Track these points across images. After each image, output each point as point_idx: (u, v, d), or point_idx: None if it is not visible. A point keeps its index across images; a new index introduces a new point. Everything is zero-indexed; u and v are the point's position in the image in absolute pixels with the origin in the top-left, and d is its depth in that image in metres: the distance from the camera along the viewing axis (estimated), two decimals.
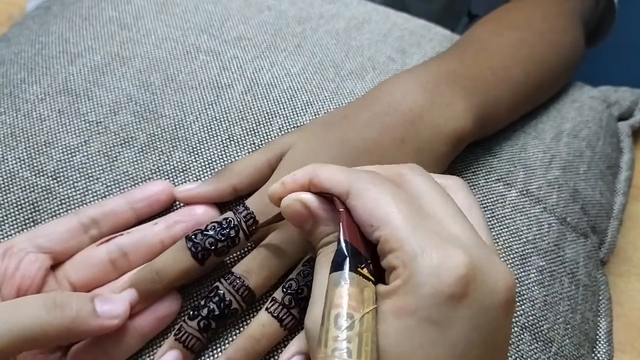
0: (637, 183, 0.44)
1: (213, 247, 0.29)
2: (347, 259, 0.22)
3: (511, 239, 0.35)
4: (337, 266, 0.22)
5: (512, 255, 0.34)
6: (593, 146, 0.41)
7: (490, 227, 0.35)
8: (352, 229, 0.23)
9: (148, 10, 0.42)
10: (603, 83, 0.48)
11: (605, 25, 0.50)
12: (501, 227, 0.35)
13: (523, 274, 0.34)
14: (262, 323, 0.28)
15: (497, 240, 0.34)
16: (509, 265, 0.34)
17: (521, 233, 0.35)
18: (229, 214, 0.30)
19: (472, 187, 0.36)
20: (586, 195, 0.39)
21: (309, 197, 0.25)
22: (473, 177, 0.37)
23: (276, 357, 0.29)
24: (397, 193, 0.23)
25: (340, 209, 0.24)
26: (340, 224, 0.23)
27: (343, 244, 0.23)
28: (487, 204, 0.36)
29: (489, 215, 0.35)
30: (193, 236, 0.29)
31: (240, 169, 0.32)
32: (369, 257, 0.23)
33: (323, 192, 0.25)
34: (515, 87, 0.37)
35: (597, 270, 0.39)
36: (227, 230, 0.29)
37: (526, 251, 0.35)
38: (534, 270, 0.34)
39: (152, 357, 0.28)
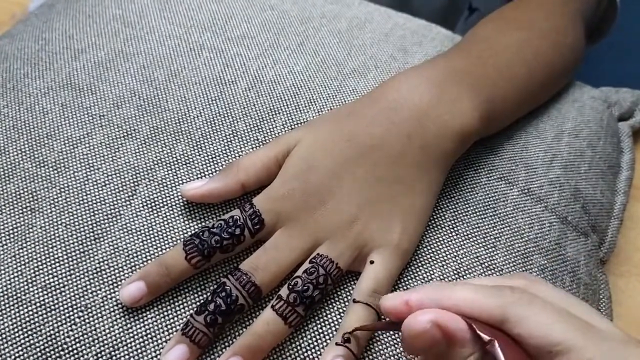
0: (637, 183, 0.45)
1: (218, 245, 0.29)
2: None
3: (513, 238, 0.35)
4: None
5: (514, 254, 0.34)
6: (594, 146, 0.41)
7: (493, 225, 0.35)
8: (515, 356, 0.22)
9: (152, 8, 0.42)
10: (604, 84, 0.48)
11: (607, 24, 0.50)
12: (503, 226, 0.35)
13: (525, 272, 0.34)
14: (267, 321, 0.28)
15: (499, 239, 0.35)
16: (511, 264, 0.34)
17: (523, 232, 0.35)
18: (236, 212, 0.30)
19: (474, 186, 0.36)
20: (587, 194, 0.39)
21: (445, 318, 0.23)
22: (475, 175, 0.37)
23: (281, 353, 0.29)
24: (555, 311, 0.22)
25: (488, 338, 0.22)
26: (501, 357, 0.21)
27: None
28: (489, 203, 0.36)
29: (490, 214, 0.35)
30: (201, 233, 0.30)
31: (248, 165, 0.32)
32: None
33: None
34: (519, 86, 0.38)
35: (598, 269, 0.39)
36: (233, 228, 0.30)
37: (528, 250, 0.35)
38: (536, 269, 0.34)
39: (159, 352, 0.28)
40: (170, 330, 0.29)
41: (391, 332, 0.30)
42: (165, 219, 0.32)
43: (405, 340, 0.24)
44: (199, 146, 0.34)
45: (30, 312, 0.28)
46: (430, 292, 0.24)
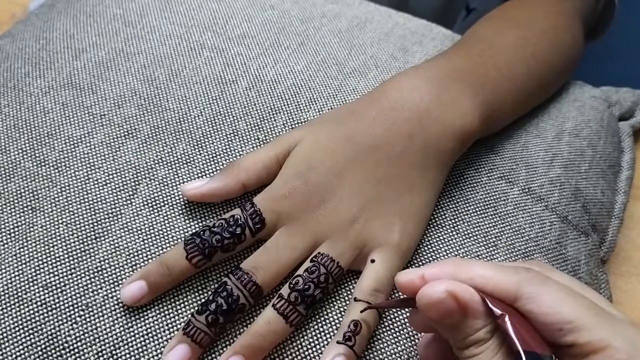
0: (637, 183, 0.45)
1: (219, 244, 0.29)
2: None
3: (514, 237, 0.35)
4: None
5: (514, 253, 0.34)
6: (594, 145, 0.41)
7: (493, 224, 0.35)
8: (526, 333, 0.22)
9: (152, 8, 0.42)
10: (604, 83, 0.48)
11: (605, 23, 0.51)
12: (504, 225, 0.35)
13: None
14: (268, 320, 0.28)
15: (500, 238, 0.35)
16: None
17: (524, 231, 0.35)
18: (237, 212, 0.30)
19: (474, 185, 0.36)
20: (587, 194, 0.39)
21: (461, 289, 0.23)
22: (475, 174, 0.37)
23: (282, 352, 0.29)
24: (569, 291, 0.23)
25: (499, 312, 0.22)
26: (511, 332, 0.22)
27: (525, 356, 0.21)
28: (490, 202, 0.36)
29: (491, 213, 0.35)
30: (202, 233, 0.30)
31: (249, 165, 0.32)
32: (550, 351, 0.22)
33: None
34: (519, 85, 0.38)
35: (598, 269, 0.39)
36: (234, 227, 0.30)
37: (529, 249, 0.35)
38: None
39: (160, 351, 0.28)
40: (171, 330, 0.29)
41: (393, 331, 0.30)
42: (166, 218, 0.32)
43: (413, 315, 0.25)
44: (200, 145, 0.34)
45: (31, 311, 0.28)
46: (446, 267, 0.24)
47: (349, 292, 0.31)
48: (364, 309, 0.28)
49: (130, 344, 0.28)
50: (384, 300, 0.30)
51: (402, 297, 0.26)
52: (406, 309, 0.31)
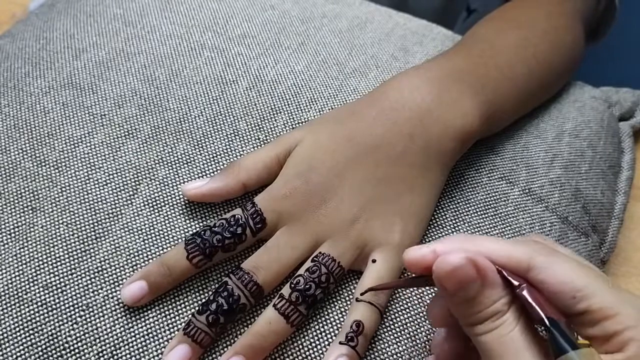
0: (637, 184, 0.45)
1: (220, 244, 0.29)
2: (564, 338, 0.21)
3: (514, 238, 0.35)
4: (559, 349, 0.21)
5: None
6: (594, 146, 0.41)
7: (494, 225, 0.35)
8: (544, 302, 0.22)
9: (152, 8, 0.42)
10: (604, 84, 0.48)
11: (606, 25, 0.51)
12: (504, 226, 0.35)
13: None
14: (268, 320, 0.28)
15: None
16: None
17: (524, 231, 0.35)
18: (237, 211, 0.30)
19: (475, 185, 0.36)
20: (587, 194, 0.39)
21: (478, 257, 0.22)
22: (476, 174, 0.37)
23: (283, 353, 0.29)
24: (575, 261, 0.23)
25: (517, 282, 0.22)
26: (531, 300, 0.22)
27: (548, 322, 0.21)
28: (490, 202, 0.36)
29: (492, 213, 0.35)
30: (202, 233, 0.30)
31: (249, 165, 0.32)
32: (568, 321, 0.22)
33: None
34: (519, 85, 0.38)
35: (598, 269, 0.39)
36: (234, 227, 0.30)
37: None
38: None
39: (161, 351, 0.28)
40: (171, 330, 0.29)
41: (394, 331, 0.30)
42: (166, 218, 0.32)
43: (433, 303, 0.25)
44: (200, 145, 0.34)
45: (32, 312, 0.28)
46: (457, 242, 0.24)
47: (350, 292, 0.31)
48: (367, 289, 0.28)
49: (130, 344, 0.28)
50: (385, 300, 0.30)
51: (410, 276, 0.26)
52: (401, 306, 0.31)
